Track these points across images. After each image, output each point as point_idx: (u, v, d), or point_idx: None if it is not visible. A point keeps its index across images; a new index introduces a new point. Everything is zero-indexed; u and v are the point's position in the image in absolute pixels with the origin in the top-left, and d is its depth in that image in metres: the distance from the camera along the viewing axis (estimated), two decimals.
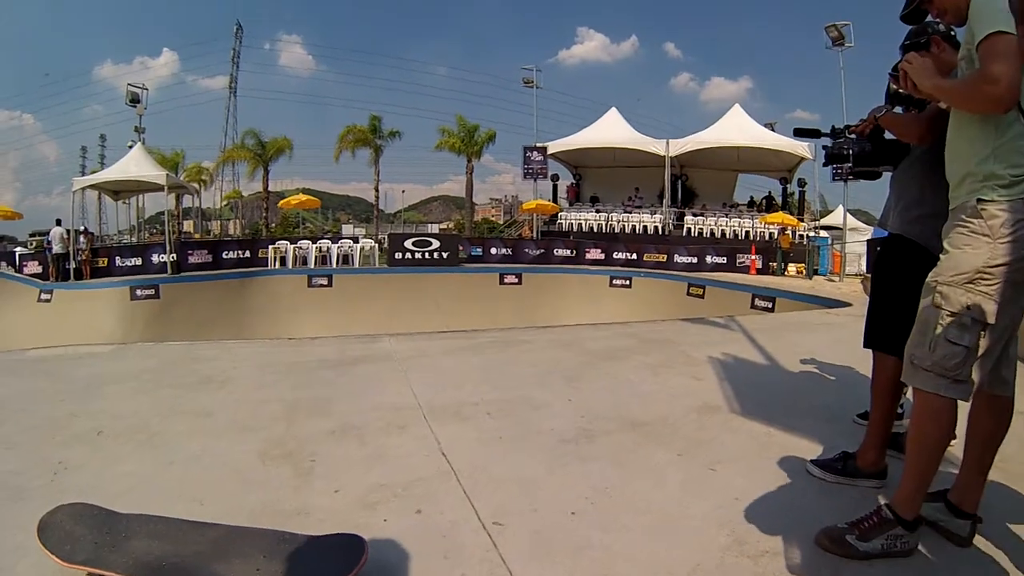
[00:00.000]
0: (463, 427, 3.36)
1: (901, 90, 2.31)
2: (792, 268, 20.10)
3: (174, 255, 18.81)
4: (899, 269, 2.61)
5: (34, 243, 32.60)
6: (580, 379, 4.53)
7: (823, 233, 24.44)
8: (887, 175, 3.00)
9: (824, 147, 2.98)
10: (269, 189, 40.11)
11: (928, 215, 2.48)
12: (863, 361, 5.33)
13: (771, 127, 28.93)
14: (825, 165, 2.99)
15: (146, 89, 25.71)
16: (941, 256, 2.04)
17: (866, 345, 2.77)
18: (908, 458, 2.09)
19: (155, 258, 18.83)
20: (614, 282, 20.50)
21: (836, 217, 29.34)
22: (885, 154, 2.81)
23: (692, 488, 2.60)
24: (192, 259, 19.45)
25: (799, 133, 3.20)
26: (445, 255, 20.92)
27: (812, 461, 2.80)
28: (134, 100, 25.01)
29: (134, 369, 4.89)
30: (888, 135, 2.81)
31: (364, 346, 5.73)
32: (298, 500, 2.45)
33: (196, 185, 43.97)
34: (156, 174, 19.74)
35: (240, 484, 2.62)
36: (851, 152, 2.85)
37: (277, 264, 20.54)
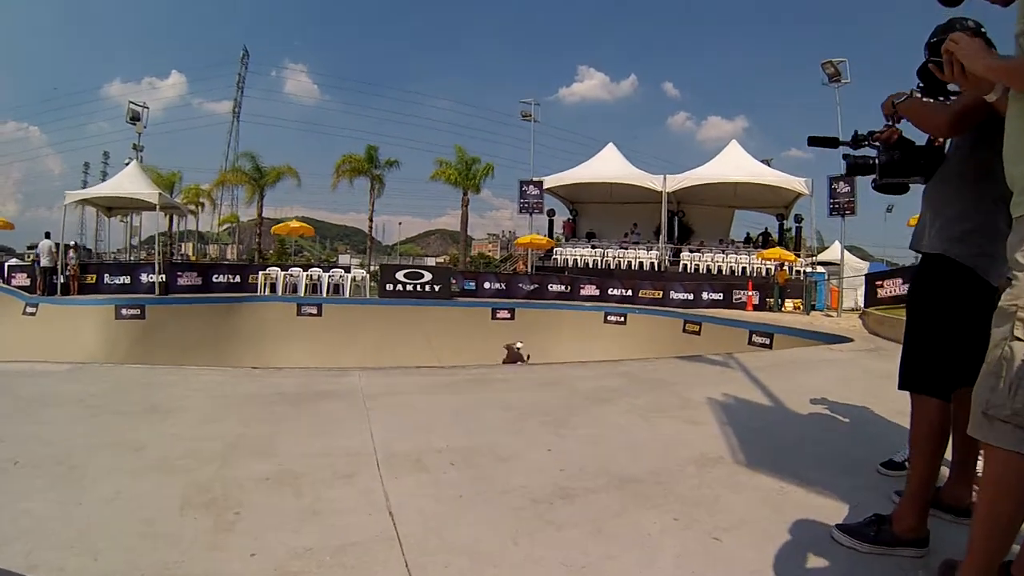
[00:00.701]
0: (420, 480, 2.85)
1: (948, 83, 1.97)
2: (789, 304, 19.81)
3: (163, 276, 18.34)
4: (943, 295, 2.26)
5: (31, 256, 32.27)
6: (563, 424, 4.00)
7: (820, 269, 24.17)
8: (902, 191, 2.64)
9: (845, 157, 2.63)
10: (269, 216, 39.86)
11: (973, 231, 2.19)
12: (878, 401, 5.08)
13: (767, 163, 28.83)
14: (848, 176, 2.60)
15: (147, 107, 25.18)
16: (1019, 274, 1.62)
17: (903, 386, 2.36)
18: (976, 532, 1.66)
19: (144, 278, 18.39)
20: (608, 318, 20.09)
21: (832, 253, 29.09)
22: (916, 163, 2.46)
23: (693, 566, 2.10)
24: (181, 281, 19.00)
25: (814, 142, 2.81)
26: (437, 288, 20.50)
27: (838, 527, 2.34)
28: (134, 118, 24.41)
29: (83, 391, 4.51)
30: (919, 142, 2.48)
31: (331, 380, 5.25)
32: (207, 563, 2.02)
33: (192, 207, 43.75)
34: (148, 192, 19.22)
35: (148, 537, 2.19)
36: (878, 162, 2.49)
37: (267, 291, 20.05)
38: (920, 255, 2.48)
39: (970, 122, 2.14)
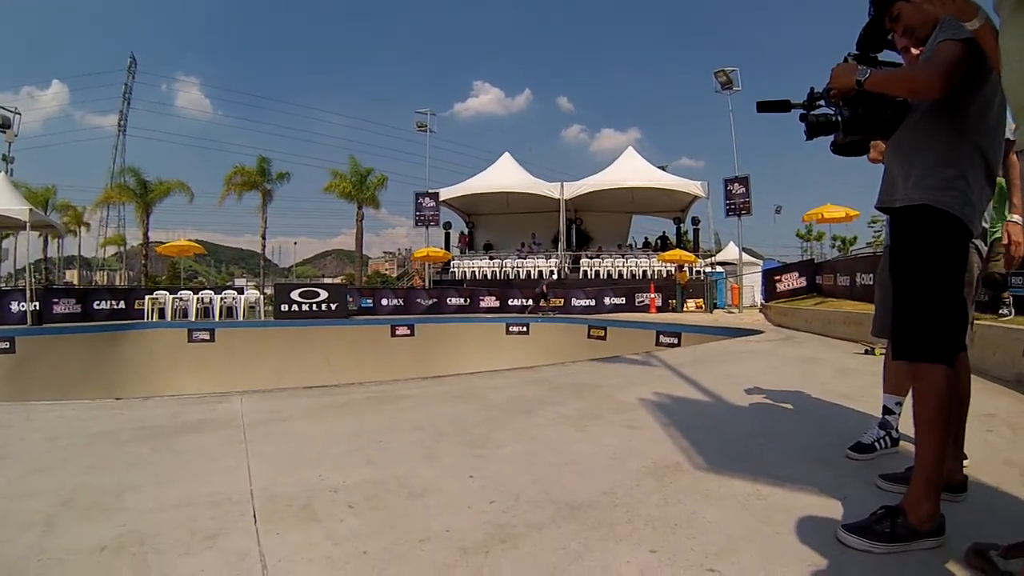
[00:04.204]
0: (309, 532, 2.13)
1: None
2: (691, 303, 20.12)
3: (36, 303, 16.34)
4: (935, 249, 2.08)
5: None
6: (484, 443, 3.35)
7: (719, 268, 24.83)
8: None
9: (803, 118, 2.35)
10: (161, 240, 36.67)
11: (956, 177, 2.06)
12: (811, 385, 4.94)
13: (663, 169, 29.44)
14: (809, 138, 2.26)
15: (19, 113, 22.65)
16: None
17: (902, 357, 2.14)
18: None
19: (14, 306, 16.37)
20: (511, 329, 19.86)
21: (728, 253, 30.06)
22: (883, 115, 2.22)
23: None
24: (58, 309, 17.04)
25: (764, 108, 2.51)
26: (334, 307, 19.70)
27: (845, 527, 2.00)
28: (4, 124, 21.60)
29: None
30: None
31: (206, 408, 4.41)
32: None
33: (75, 227, 40.33)
34: (17, 208, 16.75)
35: None
36: (841, 118, 2.25)
37: (155, 316, 18.73)
38: (891, 213, 2.28)
39: (962, 71, 1.97)
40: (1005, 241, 2.34)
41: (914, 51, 2.39)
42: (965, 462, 2.48)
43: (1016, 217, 2.36)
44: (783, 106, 2.42)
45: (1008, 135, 2.24)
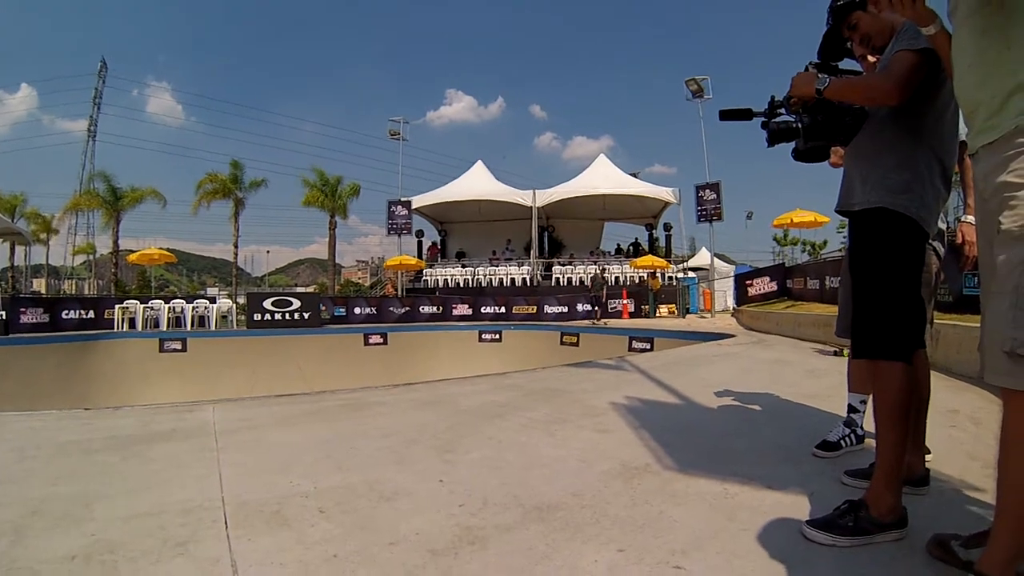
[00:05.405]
0: (280, 538, 2.12)
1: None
2: (664, 309, 20.30)
3: (2, 313, 16.16)
4: (893, 250, 2.15)
5: None
6: (454, 448, 3.36)
7: (691, 274, 25.12)
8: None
9: (764, 126, 2.39)
10: (131, 249, 35.74)
11: (913, 181, 2.14)
12: (780, 386, 5.03)
13: (635, 176, 29.76)
14: (771, 145, 2.32)
15: None
16: (1018, 194, 1.47)
17: (862, 355, 2.21)
18: (1006, 504, 1.50)
19: None
20: (483, 337, 19.91)
21: (700, 259, 30.41)
22: (842, 121, 2.27)
23: None
24: (25, 318, 16.83)
25: (726, 116, 2.55)
26: (307, 316, 19.65)
27: (809, 523, 2.04)
28: None
29: None
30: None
31: (176, 417, 4.37)
32: None
33: (44, 235, 39.52)
34: None
35: None
36: (801, 125, 2.29)
37: (125, 326, 18.53)
38: (850, 216, 2.33)
39: (918, 79, 2.03)
40: (959, 241, 2.41)
41: (871, 59, 2.47)
42: (928, 457, 2.55)
43: (969, 218, 2.44)
44: (745, 114, 2.47)
45: (962, 138, 2.32)
